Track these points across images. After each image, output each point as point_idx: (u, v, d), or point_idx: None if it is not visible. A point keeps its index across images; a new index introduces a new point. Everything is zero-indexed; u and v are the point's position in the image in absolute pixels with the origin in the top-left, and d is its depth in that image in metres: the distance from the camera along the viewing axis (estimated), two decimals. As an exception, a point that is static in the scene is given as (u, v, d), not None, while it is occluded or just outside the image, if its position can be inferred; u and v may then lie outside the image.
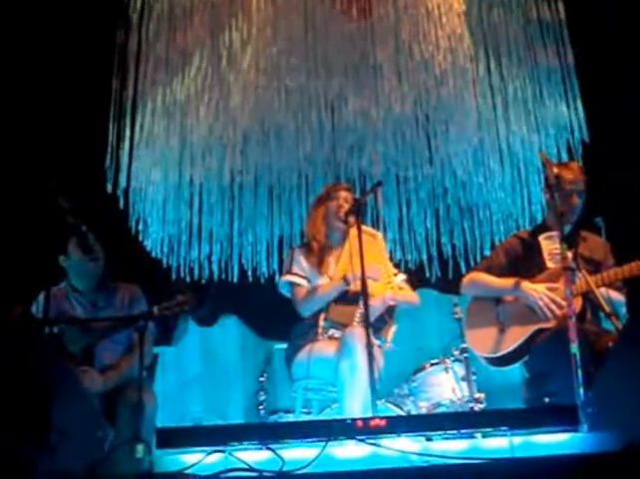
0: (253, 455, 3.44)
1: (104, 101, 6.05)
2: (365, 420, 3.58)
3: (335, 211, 5.21)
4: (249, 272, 6.65)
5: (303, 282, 5.17)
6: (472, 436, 3.59)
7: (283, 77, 6.05)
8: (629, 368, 3.38)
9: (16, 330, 4.06)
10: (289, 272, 5.23)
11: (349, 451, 3.46)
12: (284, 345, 5.32)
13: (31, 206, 5.55)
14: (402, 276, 5.37)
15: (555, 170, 4.62)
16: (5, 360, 3.58)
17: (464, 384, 5.68)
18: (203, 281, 6.49)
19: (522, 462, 3.37)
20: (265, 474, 3.36)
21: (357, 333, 4.63)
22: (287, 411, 5.79)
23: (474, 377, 5.65)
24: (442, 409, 5.61)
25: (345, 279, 4.97)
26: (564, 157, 6.13)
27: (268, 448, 3.45)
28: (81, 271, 4.96)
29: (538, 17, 6.10)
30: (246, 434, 3.56)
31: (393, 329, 5.12)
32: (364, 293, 4.52)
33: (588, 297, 4.66)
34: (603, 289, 4.61)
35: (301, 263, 5.22)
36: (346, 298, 5.00)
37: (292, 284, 5.20)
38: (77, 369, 4.58)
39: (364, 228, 5.07)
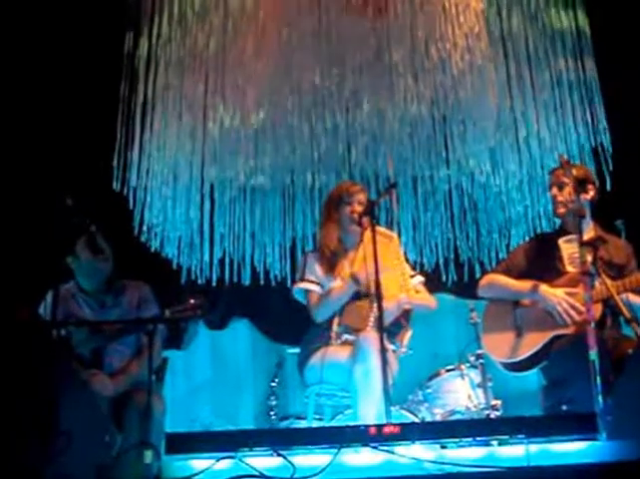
0: (264, 461, 3.42)
1: (113, 98, 6.03)
2: (378, 427, 3.54)
3: (349, 215, 5.13)
4: (261, 275, 6.60)
5: (316, 289, 5.11)
6: (487, 444, 3.53)
7: (297, 76, 5.99)
8: (649, 375, 3.33)
9: (24, 332, 4.02)
10: (302, 279, 5.17)
11: (362, 458, 3.43)
12: (296, 350, 5.29)
13: (37, 205, 5.56)
14: (419, 279, 5.28)
15: (559, 177, 4.61)
16: (12, 363, 3.55)
17: (479, 391, 5.63)
18: (214, 284, 6.43)
19: (539, 471, 3.34)
20: (276, 481, 3.33)
21: (371, 338, 4.57)
22: (299, 417, 5.75)
23: (490, 384, 5.60)
24: (457, 416, 5.56)
25: (354, 278, 4.89)
26: (585, 159, 6.05)
27: (279, 454, 3.42)
28: (90, 272, 4.91)
29: (558, 15, 6.04)
30: (257, 440, 3.52)
31: (408, 334, 5.05)
32: (378, 297, 4.45)
33: (609, 303, 4.58)
34: (624, 294, 4.54)
35: (314, 270, 5.16)
36: (360, 303, 4.92)
37: (306, 291, 5.14)
38: (86, 373, 4.56)
39: (379, 229, 5.01)
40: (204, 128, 6.09)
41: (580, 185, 4.80)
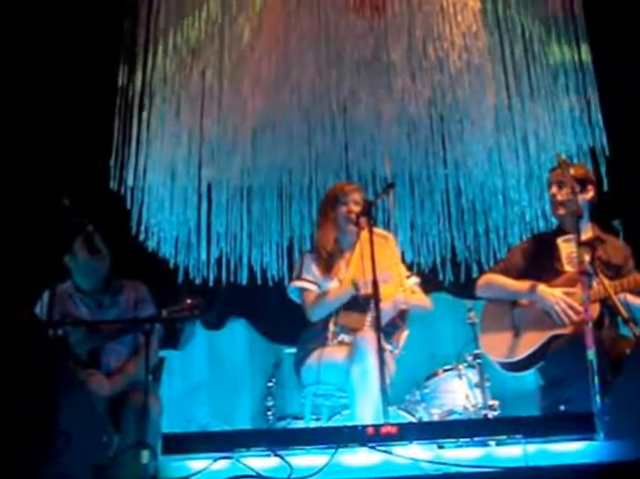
0: (261, 462, 3.41)
1: (110, 99, 6.02)
2: (376, 427, 3.53)
3: (346, 215, 5.11)
4: (258, 274, 6.57)
5: (313, 288, 5.09)
6: (485, 444, 3.53)
7: (295, 75, 5.98)
8: (647, 375, 3.33)
9: (21, 332, 4.02)
10: (299, 278, 5.15)
11: (359, 458, 3.42)
12: (294, 350, 5.26)
13: (35, 205, 5.55)
14: (414, 279, 5.27)
15: (572, 171, 4.57)
16: (9, 363, 3.55)
17: (477, 391, 5.62)
18: (211, 284, 6.41)
19: (537, 471, 3.33)
20: (273, 481, 3.32)
21: (368, 338, 4.56)
22: (296, 417, 5.74)
23: (487, 384, 5.58)
24: (454, 416, 5.55)
25: (355, 285, 4.87)
26: (582, 160, 6.03)
27: (276, 455, 3.41)
28: (87, 271, 4.91)
29: (555, 14, 6.03)
30: (254, 440, 3.52)
31: (405, 334, 5.05)
32: (375, 297, 4.44)
33: (606, 303, 4.57)
34: (622, 294, 4.53)
35: (311, 270, 5.14)
36: (356, 303, 4.91)
37: (301, 290, 5.12)
38: (84, 373, 4.55)
39: (375, 230, 4.99)
40: (201, 127, 6.09)
41: (580, 184, 4.80)
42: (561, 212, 4.93)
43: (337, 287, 5.03)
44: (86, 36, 6.12)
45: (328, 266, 5.10)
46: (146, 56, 5.99)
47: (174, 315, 4.34)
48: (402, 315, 4.98)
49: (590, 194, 4.95)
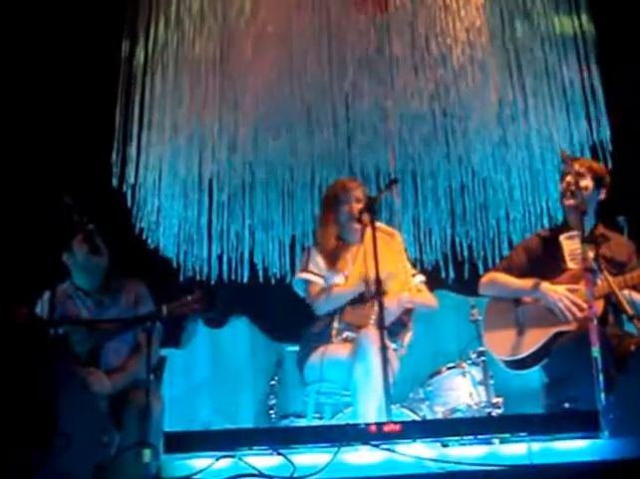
0: (264, 460, 3.40)
1: (111, 94, 6.00)
2: (379, 425, 3.52)
3: (348, 213, 5.09)
4: (260, 272, 6.55)
5: (319, 280, 5.07)
6: (489, 442, 3.51)
7: (297, 70, 5.95)
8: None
9: (21, 332, 4.01)
10: (305, 270, 5.13)
11: (362, 457, 3.41)
12: (296, 348, 5.26)
13: (35, 202, 5.55)
14: (420, 277, 5.25)
15: (576, 166, 4.54)
16: (10, 362, 3.54)
17: (481, 389, 5.59)
18: (213, 281, 6.39)
19: (541, 469, 3.32)
20: (276, 480, 3.31)
21: (372, 336, 4.55)
22: (299, 416, 5.71)
23: (491, 381, 5.57)
24: (458, 414, 5.53)
25: (366, 282, 4.84)
26: (586, 155, 6.00)
27: (279, 453, 3.40)
28: (86, 269, 4.90)
29: (561, 12, 6.03)
30: (257, 439, 3.51)
31: (410, 334, 5.02)
32: (379, 295, 4.42)
33: (610, 300, 4.56)
34: (626, 291, 4.51)
35: (317, 262, 5.13)
36: (362, 300, 4.90)
37: (308, 282, 5.11)
38: (84, 371, 4.54)
39: (381, 226, 4.99)
40: (203, 123, 6.07)
41: (595, 182, 4.81)
42: (571, 201, 4.84)
43: (346, 283, 5.00)
44: (85, 32, 6.12)
45: (333, 261, 5.09)
46: (146, 52, 5.99)
47: (177, 311, 4.34)
48: (408, 314, 4.96)
49: (602, 195, 4.93)
